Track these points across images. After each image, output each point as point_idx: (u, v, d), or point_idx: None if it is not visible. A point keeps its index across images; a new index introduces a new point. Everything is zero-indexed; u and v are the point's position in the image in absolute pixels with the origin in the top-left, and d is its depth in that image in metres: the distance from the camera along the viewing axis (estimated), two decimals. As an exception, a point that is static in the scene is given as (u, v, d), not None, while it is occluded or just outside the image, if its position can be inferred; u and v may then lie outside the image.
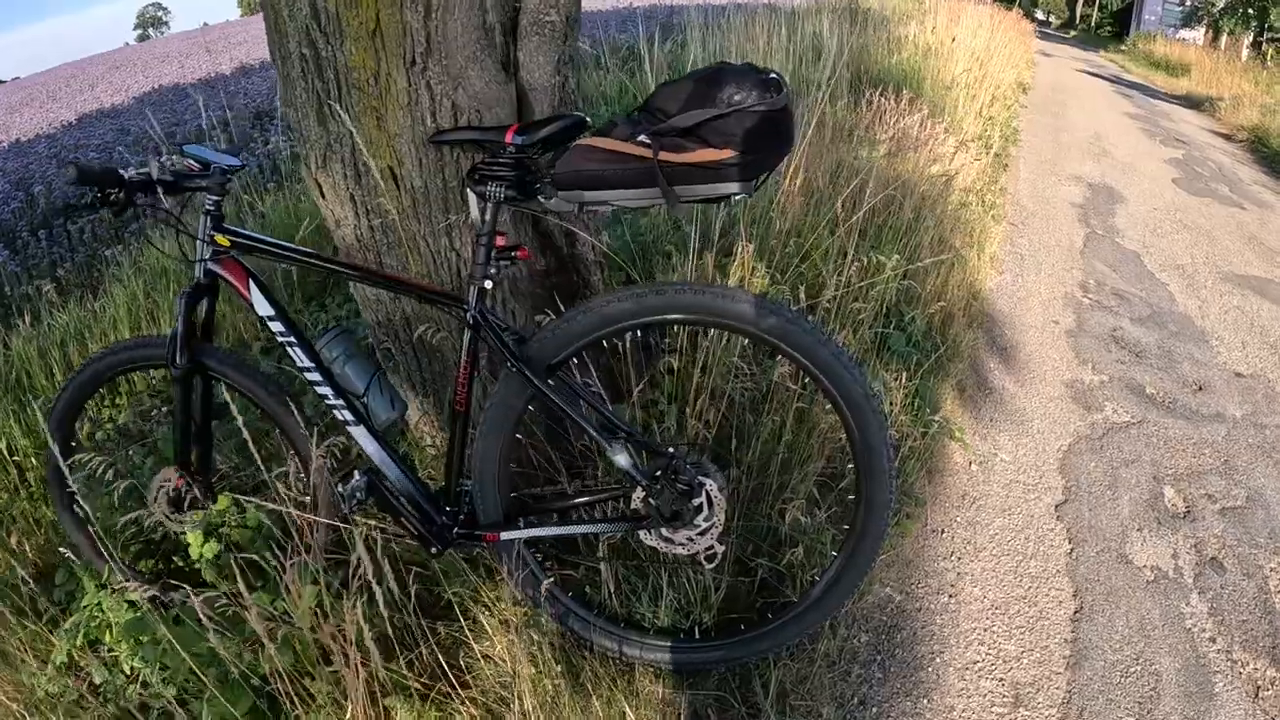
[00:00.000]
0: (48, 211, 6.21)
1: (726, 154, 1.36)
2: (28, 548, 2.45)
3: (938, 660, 1.99)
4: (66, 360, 3.27)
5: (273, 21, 1.74)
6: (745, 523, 2.02)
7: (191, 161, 1.71)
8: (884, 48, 6.85)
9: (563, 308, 1.67)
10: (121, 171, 1.63)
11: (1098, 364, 3.50)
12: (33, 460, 2.82)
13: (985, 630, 2.09)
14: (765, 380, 2.27)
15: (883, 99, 4.58)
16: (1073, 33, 31.62)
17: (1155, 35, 21.99)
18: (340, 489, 1.63)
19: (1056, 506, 2.57)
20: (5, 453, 2.82)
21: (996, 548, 2.37)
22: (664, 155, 1.38)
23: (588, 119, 1.53)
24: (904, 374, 2.78)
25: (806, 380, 2.06)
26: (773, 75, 1.39)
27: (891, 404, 2.61)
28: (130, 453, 2.56)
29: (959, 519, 2.48)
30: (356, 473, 1.63)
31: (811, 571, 1.92)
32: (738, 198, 1.40)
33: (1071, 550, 2.38)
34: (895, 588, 2.18)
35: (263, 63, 13.50)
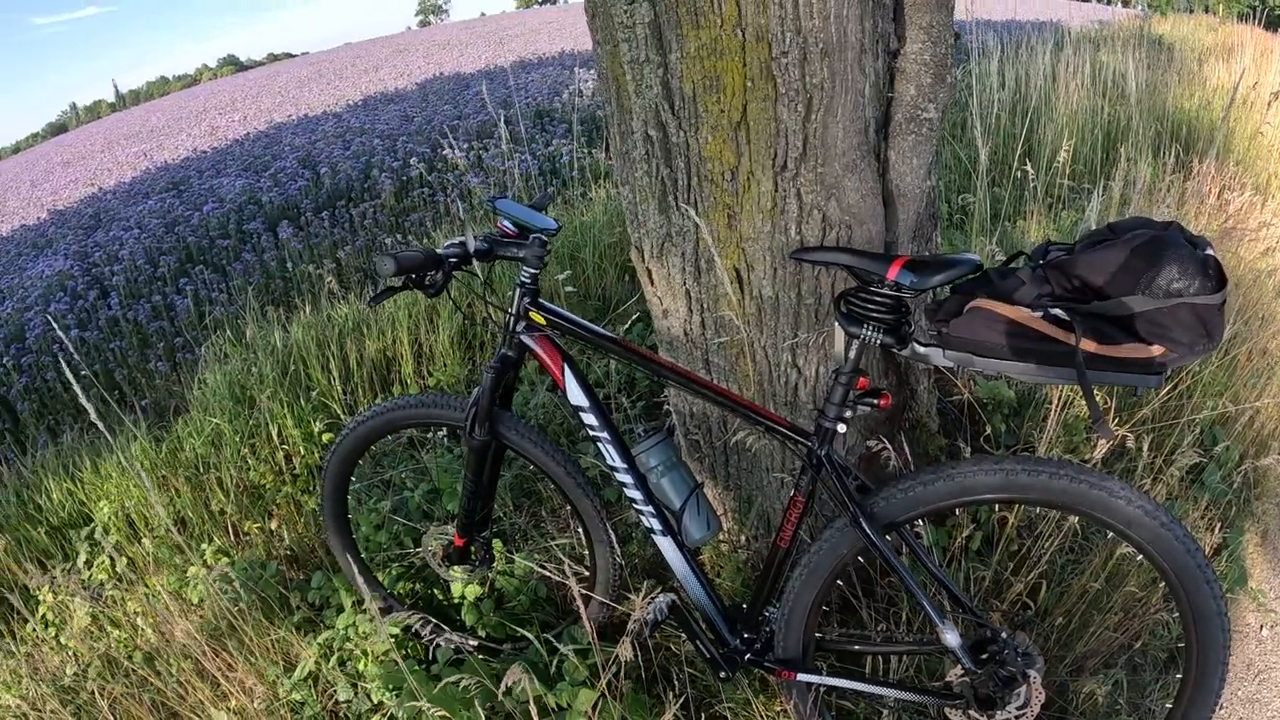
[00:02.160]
0: (332, 192, 6.61)
1: (1157, 352, 1.20)
2: (286, 535, 2.58)
3: None
4: (343, 356, 3.32)
5: (614, 93, 1.60)
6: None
7: (505, 222, 1.63)
8: (1184, 89, 6.08)
9: (902, 439, 1.52)
10: (440, 252, 1.57)
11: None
12: (300, 448, 2.93)
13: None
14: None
15: (1197, 162, 4.03)
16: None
17: None
18: (643, 614, 1.55)
19: (1337, 691, 2.19)
20: (275, 438, 2.96)
21: (1272, 733, 2.07)
22: (1086, 345, 1.22)
23: (981, 261, 1.33)
24: (1212, 515, 2.43)
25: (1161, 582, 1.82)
26: (1210, 253, 1.21)
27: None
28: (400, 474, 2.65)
29: (1240, 694, 2.18)
30: (661, 595, 1.55)
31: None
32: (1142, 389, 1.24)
33: (1344, 748, 2.02)
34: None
35: (540, 58, 13.48)
